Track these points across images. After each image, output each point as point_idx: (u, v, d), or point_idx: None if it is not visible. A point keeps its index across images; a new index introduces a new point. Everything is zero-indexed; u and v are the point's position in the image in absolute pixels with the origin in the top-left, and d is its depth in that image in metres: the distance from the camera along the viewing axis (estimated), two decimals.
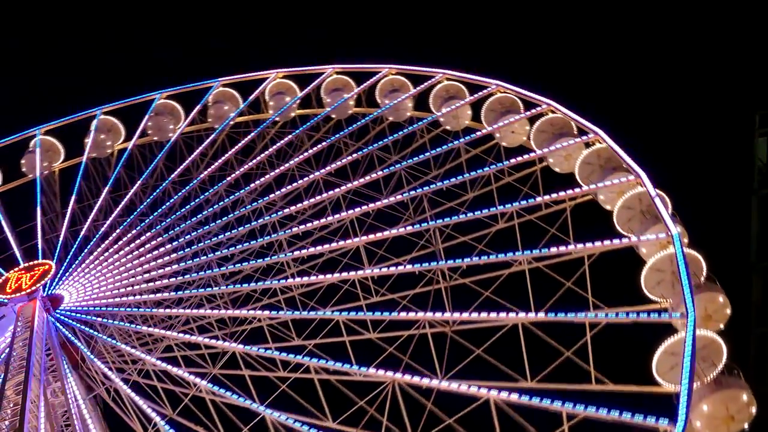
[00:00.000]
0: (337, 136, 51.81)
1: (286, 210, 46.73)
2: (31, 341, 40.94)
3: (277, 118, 54.75)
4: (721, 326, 36.79)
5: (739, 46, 70.97)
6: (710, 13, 72.92)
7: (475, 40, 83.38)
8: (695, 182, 65.99)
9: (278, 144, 52.32)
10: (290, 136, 53.00)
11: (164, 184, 50.92)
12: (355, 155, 49.55)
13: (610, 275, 42.02)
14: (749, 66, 67.01)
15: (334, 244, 43.73)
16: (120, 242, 47.37)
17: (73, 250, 47.78)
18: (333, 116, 54.68)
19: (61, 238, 48.90)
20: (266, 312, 40.82)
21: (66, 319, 43.77)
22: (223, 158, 52.58)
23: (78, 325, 43.35)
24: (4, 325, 43.42)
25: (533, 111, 48.00)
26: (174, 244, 46.11)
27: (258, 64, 58.73)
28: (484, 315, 37.48)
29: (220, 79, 57.65)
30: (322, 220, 45.48)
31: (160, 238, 46.65)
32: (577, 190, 42.68)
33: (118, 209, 49.95)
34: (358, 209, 44.91)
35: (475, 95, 50.74)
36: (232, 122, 55.62)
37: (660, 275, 38.47)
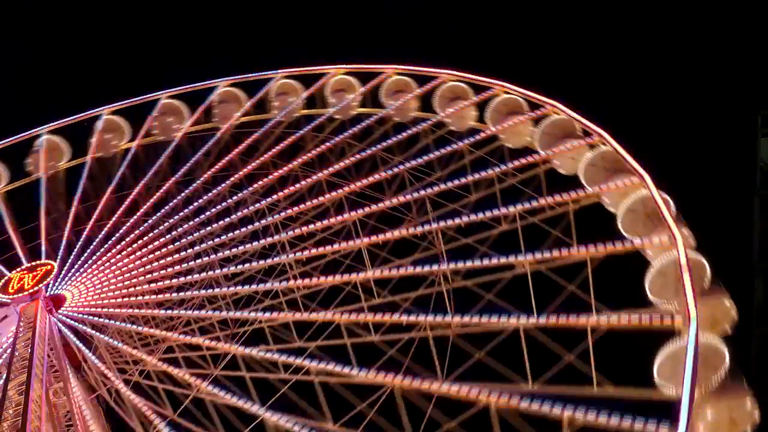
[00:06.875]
0: (341, 136, 51.64)
1: (289, 211, 46.43)
2: (34, 341, 40.90)
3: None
4: (728, 330, 36.56)
5: (742, 47, 70.93)
6: (712, 14, 72.79)
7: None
8: (698, 183, 65.74)
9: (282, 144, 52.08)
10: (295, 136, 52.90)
11: (167, 185, 50.69)
12: (358, 156, 49.33)
13: (616, 278, 41.76)
14: (752, 67, 67.21)
15: (336, 246, 43.46)
16: (123, 243, 47.22)
17: (75, 250, 47.76)
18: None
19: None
20: (266, 314, 40.52)
21: (68, 320, 43.71)
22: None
23: (79, 325, 43.28)
24: (6, 326, 43.44)
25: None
26: (176, 245, 45.90)
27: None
28: (485, 319, 37.05)
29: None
30: (325, 222, 45.21)
31: (163, 239, 46.46)
32: (580, 192, 42.29)
33: (122, 209, 49.85)
34: (360, 211, 44.56)
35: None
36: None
37: (664, 279, 38.20)
